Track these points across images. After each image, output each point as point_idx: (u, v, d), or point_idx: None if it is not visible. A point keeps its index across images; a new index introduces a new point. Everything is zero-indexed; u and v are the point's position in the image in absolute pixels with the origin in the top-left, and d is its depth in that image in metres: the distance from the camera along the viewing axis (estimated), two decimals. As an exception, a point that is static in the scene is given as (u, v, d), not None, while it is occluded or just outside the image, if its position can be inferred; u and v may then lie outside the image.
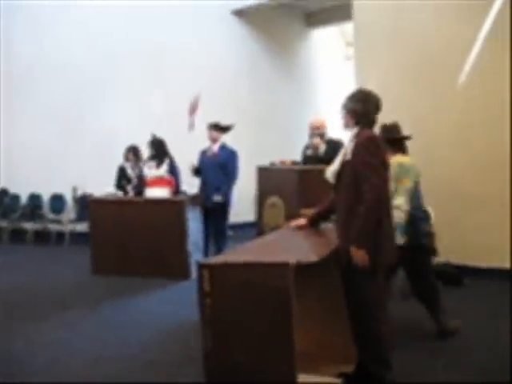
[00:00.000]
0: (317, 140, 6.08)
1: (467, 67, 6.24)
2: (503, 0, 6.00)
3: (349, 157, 3.38)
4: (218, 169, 6.93)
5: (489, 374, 3.80)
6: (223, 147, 7.06)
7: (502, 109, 6.06)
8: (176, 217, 6.74)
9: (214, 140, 7.03)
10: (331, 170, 3.52)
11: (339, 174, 3.44)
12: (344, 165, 3.41)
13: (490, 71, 6.15)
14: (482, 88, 6.20)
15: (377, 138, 3.46)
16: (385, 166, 3.36)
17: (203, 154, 7.11)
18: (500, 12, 6.03)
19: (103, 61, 9.52)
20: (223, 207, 6.96)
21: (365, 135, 3.38)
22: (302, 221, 3.90)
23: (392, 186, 4.43)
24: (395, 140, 4.60)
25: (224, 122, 7.13)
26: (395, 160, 4.31)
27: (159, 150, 7.31)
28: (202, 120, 7.42)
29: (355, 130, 3.46)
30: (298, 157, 6.58)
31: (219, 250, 6.60)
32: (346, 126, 3.55)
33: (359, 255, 3.22)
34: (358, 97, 3.52)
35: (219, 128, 7.03)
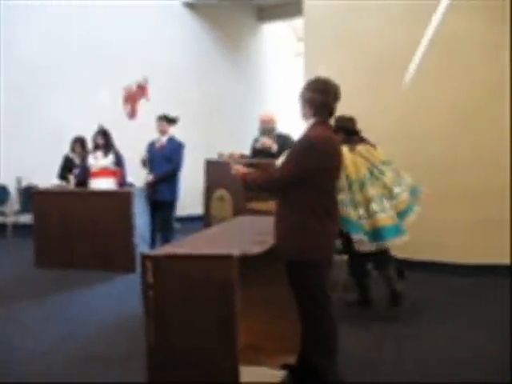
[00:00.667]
0: (269, 141, 6.08)
1: (411, 70, 6.37)
2: (448, 2, 6.15)
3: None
4: (164, 161, 6.95)
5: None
6: (171, 139, 7.08)
7: (446, 111, 6.24)
8: (123, 209, 6.66)
9: (163, 132, 7.06)
10: (278, 164, 3.54)
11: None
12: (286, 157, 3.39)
13: (435, 74, 6.29)
14: (426, 90, 6.33)
15: (314, 139, 3.26)
16: (303, 167, 3.23)
17: (151, 145, 7.12)
18: (445, 13, 6.17)
19: (52, 52, 9.28)
20: (170, 200, 7.00)
21: (305, 134, 3.33)
22: None
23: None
24: (350, 132, 4.76)
25: (173, 114, 7.13)
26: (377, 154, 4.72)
27: (107, 140, 7.23)
28: (153, 112, 7.38)
29: (311, 121, 3.38)
30: (247, 150, 6.60)
31: (166, 243, 6.58)
32: (304, 116, 3.44)
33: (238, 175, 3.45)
34: (316, 86, 3.39)
35: (168, 120, 7.05)
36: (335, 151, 3.39)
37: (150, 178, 6.94)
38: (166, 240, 6.74)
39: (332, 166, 3.35)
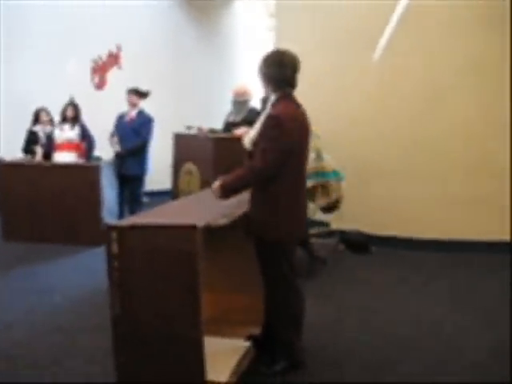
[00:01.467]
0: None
1: (382, 43, 6.38)
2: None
3: (259, 132, 3.30)
4: (133, 134, 6.93)
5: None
6: (140, 113, 7.05)
7: (413, 85, 6.28)
8: (90, 182, 6.61)
9: (133, 105, 7.04)
10: (249, 137, 3.47)
11: (256, 143, 3.32)
12: (256, 140, 3.31)
13: (404, 50, 6.31)
14: (396, 67, 6.35)
15: (280, 116, 3.18)
16: (277, 145, 3.16)
17: (120, 118, 7.08)
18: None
19: (16, 20, 9.08)
20: (138, 175, 6.99)
21: (271, 113, 3.25)
22: None
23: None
24: None
25: (143, 87, 7.08)
26: None
27: (77, 113, 7.14)
28: (123, 84, 7.31)
29: (274, 95, 3.32)
30: (218, 125, 6.58)
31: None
32: (266, 91, 3.40)
33: (216, 189, 3.25)
34: (273, 60, 3.30)
35: (138, 93, 7.01)
36: (302, 126, 3.34)
37: (118, 149, 6.89)
38: (134, 214, 6.73)
39: (301, 140, 3.33)
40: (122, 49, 9.60)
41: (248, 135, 3.53)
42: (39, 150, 7.29)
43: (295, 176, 3.31)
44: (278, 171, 3.18)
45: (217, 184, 3.24)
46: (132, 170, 6.96)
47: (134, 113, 7.03)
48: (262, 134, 3.24)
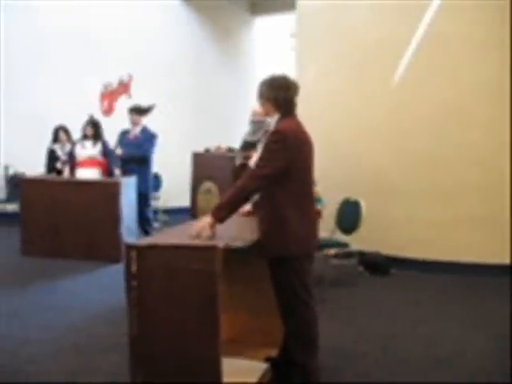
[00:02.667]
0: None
1: (401, 67, 6.39)
2: (439, 3, 6.17)
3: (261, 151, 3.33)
4: (136, 149, 7.05)
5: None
6: (144, 130, 7.16)
7: (432, 106, 6.27)
8: (110, 199, 6.65)
9: (135, 123, 7.15)
10: (254, 160, 3.49)
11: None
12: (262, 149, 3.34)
13: (423, 72, 6.32)
14: (414, 88, 6.36)
15: (282, 130, 3.24)
16: (278, 156, 3.18)
17: (123, 134, 7.22)
18: (435, 15, 6.20)
19: (39, 38, 9.22)
20: (142, 191, 7.11)
21: (273, 129, 3.30)
22: (247, 207, 3.85)
23: None
24: None
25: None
26: None
27: (97, 130, 7.20)
28: (143, 103, 7.38)
29: (276, 118, 3.38)
30: (236, 144, 6.60)
31: (146, 234, 6.67)
32: (267, 114, 3.45)
33: (205, 228, 3.08)
34: (280, 83, 3.39)
35: (139, 111, 7.12)
36: (306, 141, 3.38)
37: (119, 151, 6.98)
38: (146, 232, 6.81)
39: (304, 156, 3.34)
40: (142, 66, 9.70)
41: (253, 158, 3.54)
42: (66, 168, 7.31)
43: (301, 192, 3.32)
44: (276, 182, 3.18)
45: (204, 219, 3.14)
46: (140, 185, 7.03)
47: (137, 131, 7.20)
48: (264, 147, 3.28)
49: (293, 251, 3.26)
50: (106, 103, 9.55)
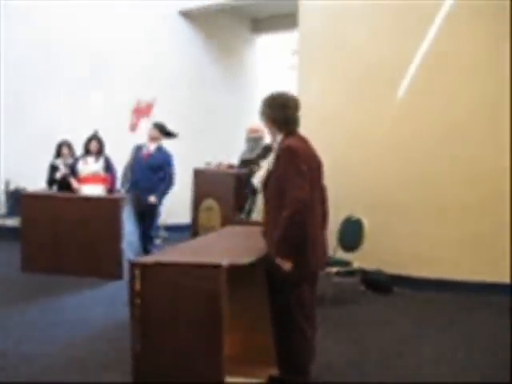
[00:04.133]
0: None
1: (405, 82, 6.42)
2: (443, 18, 6.22)
3: (272, 167, 3.36)
4: (149, 170, 6.94)
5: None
6: (159, 149, 7.05)
7: (435, 123, 6.29)
8: (111, 215, 6.62)
9: (153, 139, 7.02)
10: (258, 178, 3.51)
11: (266, 183, 3.40)
12: (269, 175, 3.38)
13: (425, 89, 6.35)
14: (416, 104, 6.39)
15: (294, 146, 3.28)
16: (303, 173, 3.21)
17: (138, 149, 7.10)
18: (439, 29, 6.24)
19: (45, 55, 9.27)
20: (152, 210, 6.98)
21: (283, 145, 3.32)
22: None
23: None
24: None
25: (163, 122, 7.14)
26: None
27: (101, 146, 7.20)
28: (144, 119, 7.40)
29: (279, 136, 3.41)
30: (235, 161, 6.62)
31: (146, 252, 6.60)
32: (271, 133, 3.50)
33: (284, 265, 3.16)
34: (276, 102, 3.42)
35: (164, 131, 7.03)
36: (311, 156, 3.39)
37: (153, 199, 6.90)
38: (146, 249, 6.77)
39: (313, 173, 3.34)
40: (145, 84, 9.76)
41: (258, 176, 3.54)
42: (71, 180, 7.23)
43: (312, 208, 3.28)
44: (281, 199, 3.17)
45: (280, 261, 3.18)
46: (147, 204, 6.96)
47: (152, 148, 7.04)
48: (278, 167, 3.28)
49: (302, 270, 3.24)
50: (135, 119, 9.60)
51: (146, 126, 8.07)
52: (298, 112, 3.45)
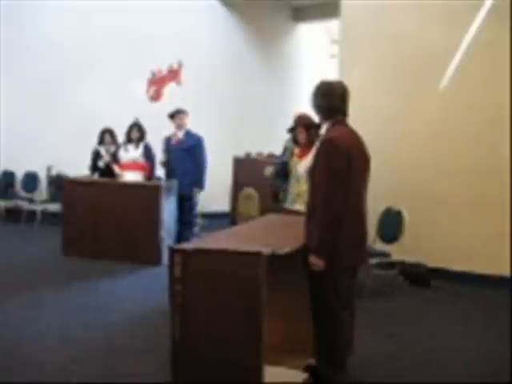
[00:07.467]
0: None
1: (449, 72, 6.28)
2: (489, 7, 6.05)
3: (314, 158, 3.33)
4: (184, 155, 7.02)
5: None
6: (188, 133, 7.13)
7: (479, 115, 6.14)
8: (151, 202, 6.69)
9: (180, 126, 7.15)
10: (304, 166, 3.47)
11: (310, 171, 3.36)
12: (314, 164, 3.32)
13: (471, 77, 6.21)
14: (461, 95, 6.25)
15: (335, 139, 3.22)
16: (337, 171, 3.15)
17: (168, 140, 7.19)
18: (486, 19, 6.08)
19: (88, 43, 9.39)
20: (191, 198, 7.06)
21: (325, 137, 3.29)
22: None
23: None
24: None
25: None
26: None
27: (142, 134, 7.27)
28: (180, 102, 7.41)
29: (327, 124, 3.38)
30: (276, 150, 6.57)
31: (184, 239, 6.62)
32: (320, 121, 3.49)
33: (316, 263, 3.14)
34: (323, 91, 3.37)
35: (179, 111, 7.15)
36: (357, 149, 3.33)
37: (197, 190, 7.05)
38: (185, 236, 6.79)
39: (356, 164, 3.26)
40: (184, 67, 9.78)
41: (303, 163, 3.51)
42: (114, 166, 7.34)
43: (353, 200, 3.24)
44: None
45: (313, 259, 3.15)
46: (187, 189, 7.02)
47: (181, 134, 7.13)
48: (316, 160, 3.26)
49: (340, 262, 3.21)
50: (152, 90, 9.64)
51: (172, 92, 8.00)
52: (346, 101, 3.38)
